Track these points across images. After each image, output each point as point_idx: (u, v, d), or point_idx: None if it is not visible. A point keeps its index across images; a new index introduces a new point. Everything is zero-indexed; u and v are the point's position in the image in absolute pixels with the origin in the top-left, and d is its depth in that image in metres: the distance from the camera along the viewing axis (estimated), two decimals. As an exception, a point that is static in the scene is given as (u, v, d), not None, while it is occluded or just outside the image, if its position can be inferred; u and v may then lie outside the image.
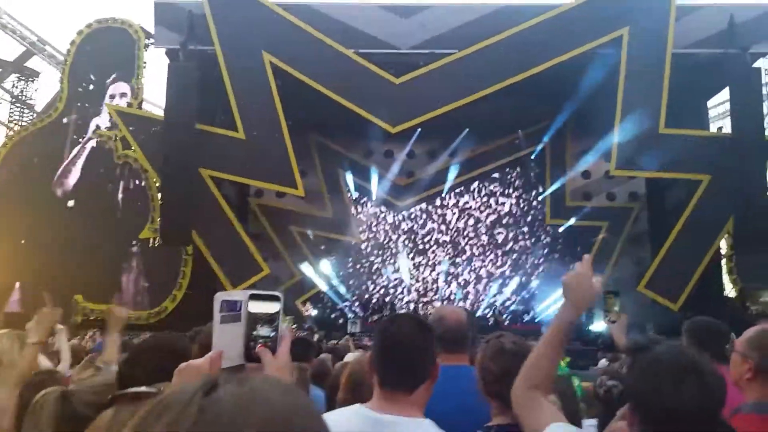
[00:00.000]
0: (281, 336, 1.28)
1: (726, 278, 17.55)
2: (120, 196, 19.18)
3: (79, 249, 18.49)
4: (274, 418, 0.64)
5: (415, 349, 1.85)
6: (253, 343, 1.24)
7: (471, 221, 21.09)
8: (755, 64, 16.93)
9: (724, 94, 18.48)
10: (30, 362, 2.81)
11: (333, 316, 19.85)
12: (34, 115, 22.69)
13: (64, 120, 19.59)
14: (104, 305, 17.34)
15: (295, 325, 16.48)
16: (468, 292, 20.60)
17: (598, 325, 17.52)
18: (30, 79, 24.11)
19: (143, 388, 1.84)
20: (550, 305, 19.74)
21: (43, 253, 18.61)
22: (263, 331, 1.26)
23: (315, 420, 0.70)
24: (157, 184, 17.58)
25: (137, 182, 19.09)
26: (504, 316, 19.32)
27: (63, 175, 19.38)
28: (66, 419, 1.96)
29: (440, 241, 21.20)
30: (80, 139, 19.64)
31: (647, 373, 1.65)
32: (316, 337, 13.15)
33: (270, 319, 1.27)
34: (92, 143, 19.58)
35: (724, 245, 17.36)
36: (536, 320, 19.51)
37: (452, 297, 20.39)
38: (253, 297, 1.23)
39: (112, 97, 19.53)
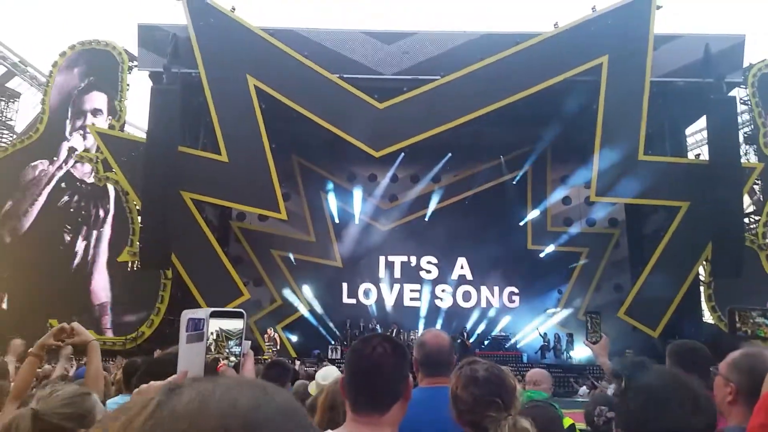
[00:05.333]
0: (244, 354, 1.25)
1: (705, 305, 17.70)
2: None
3: (57, 272, 18.20)
4: (235, 414, 0.59)
5: (384, 371, 1.83)
6: (216, 362, 1.21)
7: (453, 244, 21.05)
8: (731, 93, 17.32)
9: (702, 122, 18.86)
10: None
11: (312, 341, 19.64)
12: (14, 136, 22.46)
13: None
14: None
15: (276, 350, 16.28)
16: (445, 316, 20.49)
17: (579, 351, 17.55)
18: (11, 100, 23.93)
19: None
20: (528, 332, 19.73)
21: (21, 276, 18.25)
22: (226, 349, 1.23)
23: (288, 420, 0.63)
24: (138, 207, 17.40)
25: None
26: (472, 340, 19.13)
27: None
28: None
29: (420, 266, 21.15)
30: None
31: (641, 398, 1.67)
32: (297, 364, 12.97)
33: (234, 337, 1.24)
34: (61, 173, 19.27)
35: (702, 272, 17.55)
36: (517, 346, 19.43)
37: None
38: (214, 314, 1.21)
39: (94, 113, 19.34)
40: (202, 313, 1.21)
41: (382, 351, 1.85)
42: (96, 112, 19.37)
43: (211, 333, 1.21)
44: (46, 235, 18.57)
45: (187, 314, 1.22)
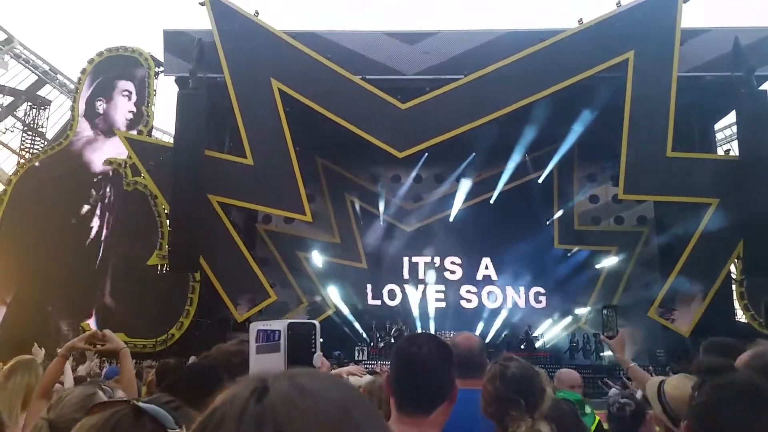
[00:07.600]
0: (318, 366, 1.29)
1: (737, 303, 17.33)
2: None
3: (82, 275, 18.59)
4: (330, 412, 0.62)
5: (432, 371, 1.81)
6: None
7: (477, 245, 20.93)
8: (761, 87, 16.93)
9: (731, 116, 18.47)
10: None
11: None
12: (45, 142, 22.96)
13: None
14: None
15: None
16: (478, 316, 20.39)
17: (609, 352, 17.29)
18: (42, 108, 24.46)
19: (119, 398, 1.85)
20: (556, 333, 19.53)
21: (47, 278, 18.65)
22: (301, 359, 1.27)
23: (370, 411, 0.68)
24: (166, 211, 17.65)
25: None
26: (498, 341, 19.02)
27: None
28: None
29: (445, 266, 21.08)
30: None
31: (725, 401, 1.62)
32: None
33: (307, 347, 1.28)
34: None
35: (734, 269, 17.18)
36: (545, 347, 19.23)
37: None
38: (291, 326, 1.24)
39: (123, 96, 19.93)
40: (277, 324, 1.25)
41: (428, 351, 1.84)
42: (125, 93, 19.87)
43: (287, 344, 1.24)
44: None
45: (257, 326, 1.26)
